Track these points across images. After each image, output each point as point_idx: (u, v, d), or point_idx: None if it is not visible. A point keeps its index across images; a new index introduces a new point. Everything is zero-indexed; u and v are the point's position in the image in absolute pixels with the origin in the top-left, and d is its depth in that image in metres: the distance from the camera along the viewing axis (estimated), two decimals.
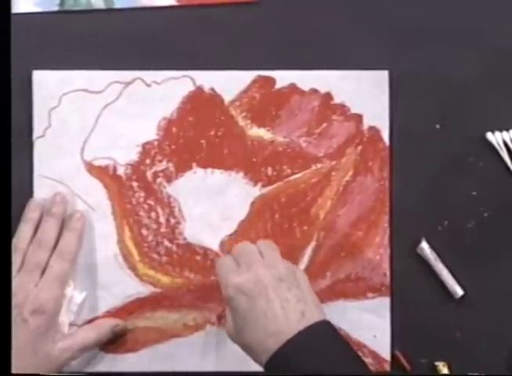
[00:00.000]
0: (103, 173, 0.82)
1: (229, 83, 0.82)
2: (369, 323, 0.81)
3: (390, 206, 0.82)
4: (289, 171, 0.83)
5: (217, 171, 0.82)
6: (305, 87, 0.82)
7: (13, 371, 0.70)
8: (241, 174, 0.82)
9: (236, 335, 0.72)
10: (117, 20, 0.82)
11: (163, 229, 0.82)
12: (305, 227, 0.83)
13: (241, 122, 0.83)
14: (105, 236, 0.82)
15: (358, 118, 0.83)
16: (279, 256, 0.75)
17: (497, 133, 0.83)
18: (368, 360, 0.81)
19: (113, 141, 0.82)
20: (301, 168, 0.83)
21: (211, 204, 0.82)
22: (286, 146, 0.83)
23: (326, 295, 0.82)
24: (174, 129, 0.82)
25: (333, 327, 0.71)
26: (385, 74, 0.82)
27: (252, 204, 0.83)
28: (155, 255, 0.82)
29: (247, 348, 0.72)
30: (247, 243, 0.77)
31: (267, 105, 0.83)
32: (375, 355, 0.81)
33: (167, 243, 0.82)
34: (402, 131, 0.83)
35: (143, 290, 0.82)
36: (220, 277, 0.74)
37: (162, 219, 0.82)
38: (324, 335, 0.70)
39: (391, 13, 0.83)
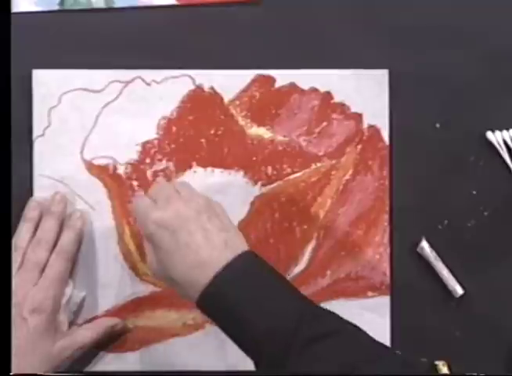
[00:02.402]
0: (103, 172, 0.82)
1: (229, 82, 0.82)
2: (369, 322, 0.80)
3: (390, 205, 0.82)
4: (289, 170, 0.83)
5: (217, 171, 0.82)
6: (305, 86, 0.83)
7: (13, 370, 0.70)
8: (241, 173, 0.83)
9: (160, 271, 0.72)
10: (117, 19, 0.82)
11: None
12: (305, 226, 0.83)
13: (241, 121, 0.83)
14: (105, 235, 0.82)
15: (358, 117, 0.83)
16: (195, 190, 0.75)
17: (497, 132, 0.83)
18: None
19: (113, 140, 0.82)
20: (300, 167, 0.83)
21: None
22: (286, 145, 0.83)
23: (327, 294, 0.82)
24: (174, 128, 0.82)
25: (259, 256, 0.71)
26: (385, 73, 0.82)
27: (252, 203, 0.83)
28: None
29: (173, 283, 0.71)
30: (162, 181, 0.77)
31: (267, 104, 0.83)
32: None
33: None
34: (402, 131, 0.83)
35: (143, 289, 0.82)
36: (138, 216, 0.73)
37: None
38: (252, 264, 0.70)
39: (391, 13, 0.83)
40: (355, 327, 0.69)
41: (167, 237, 0.70)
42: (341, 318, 0.70)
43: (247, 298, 0.68)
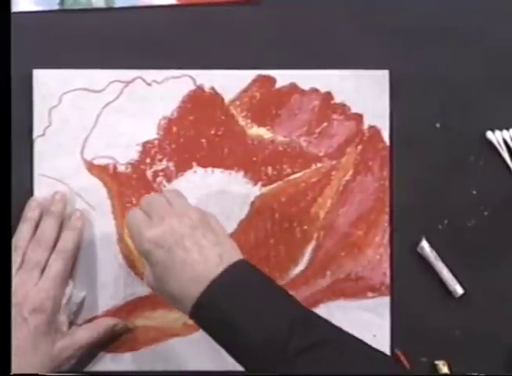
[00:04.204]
0: (104, 172, 0.82)
1: (230, 82, 0.82)
2: (369, 323, 0.81)
3: (390, 205, 0.83)
4: (289, 170, 0.83)
5: (217, 171, 0.82)
6: (306, 86, 0.83)
7: (13, 370, 0.70)
8: (241, 173, 0.83)
9: (158, 287, 0.72)
10: (117, 19, 0.82)
11: None
12: (305, 227, 0.83)
13: (241, 121, 0.83)
14: (105, 235, 0.82)
15: (359, 118, 0.83)
16: (188, 203, 0.75)
17: (497, 132, 0.83)
18: None
19: (113, 140, 0.82)
20: (301, 167, 0.83)
21: (211, 204, 0.82)
22: (287, 146, 0.83)
23: (326, 295, 0.82)
24: (174, 128, 0.82)
25: (252, 265, 0.71)
26: (385, 73, 0.82)
27: (252, 203, 0.83)
28: None
29: (171, 298, 0.71)
30: (155, 194, 0.77)
31: (267, 104, 0.83)
32: None
33: None
34: (402, 131, 0.83)
35: (143, 289, 0.81)
36: (132, 231, 0.73)
37: None
38: (245, 274, 0.70)
39: (391, 13, 0.83)
40: (347, 334, 0.69)
41: (163, 255, 0.71)
42: (332, 325, 0.70)
43: (239, 307, 0.68)
